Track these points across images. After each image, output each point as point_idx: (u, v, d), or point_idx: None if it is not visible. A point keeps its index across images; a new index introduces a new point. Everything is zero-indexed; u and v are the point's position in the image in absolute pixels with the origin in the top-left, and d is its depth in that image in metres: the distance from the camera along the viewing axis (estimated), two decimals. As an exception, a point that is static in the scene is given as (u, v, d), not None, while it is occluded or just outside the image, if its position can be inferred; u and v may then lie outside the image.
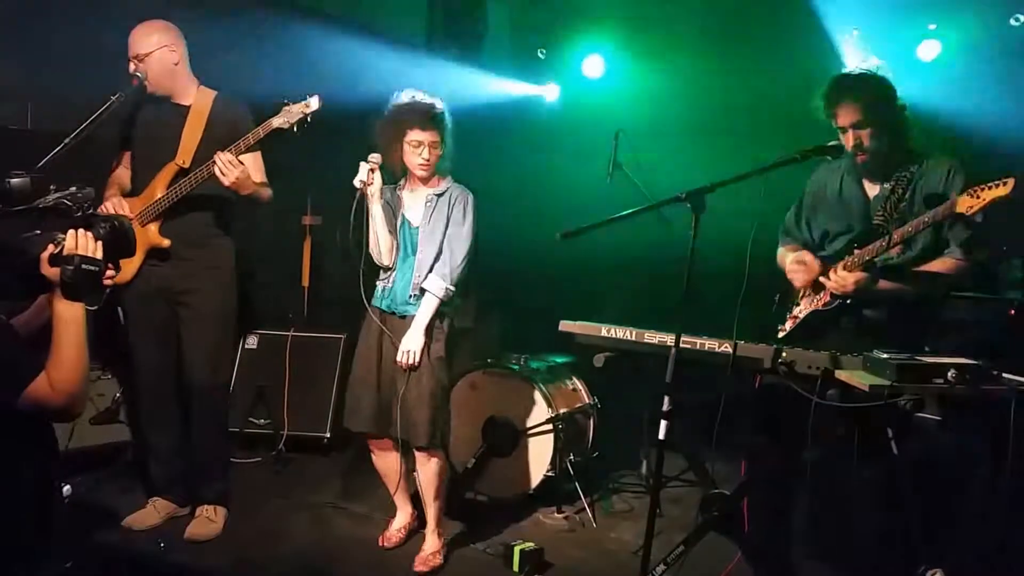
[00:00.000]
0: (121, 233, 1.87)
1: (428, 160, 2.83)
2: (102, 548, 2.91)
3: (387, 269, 2.92)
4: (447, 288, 2.82)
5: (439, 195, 2.91)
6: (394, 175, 2.94)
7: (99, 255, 1.81)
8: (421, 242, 2.87)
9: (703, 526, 2.47)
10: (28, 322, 1.93)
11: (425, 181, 2.91)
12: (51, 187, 1.97)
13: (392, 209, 2.92)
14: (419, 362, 2.80)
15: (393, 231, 2.89)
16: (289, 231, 4.52)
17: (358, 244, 2.85)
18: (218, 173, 2.81)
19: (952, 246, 2.39)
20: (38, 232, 1.83)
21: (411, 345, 2.80)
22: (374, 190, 2.80)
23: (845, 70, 2.55)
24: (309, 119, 2.82)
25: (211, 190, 2.93)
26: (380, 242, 2.87)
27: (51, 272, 1.77)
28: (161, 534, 3.01)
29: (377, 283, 2.97)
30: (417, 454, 2.88)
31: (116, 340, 3.15)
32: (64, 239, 1.79)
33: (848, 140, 2.41)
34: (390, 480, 3.07)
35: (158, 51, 2.92)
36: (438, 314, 2.84)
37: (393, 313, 2.91)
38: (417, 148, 2.82)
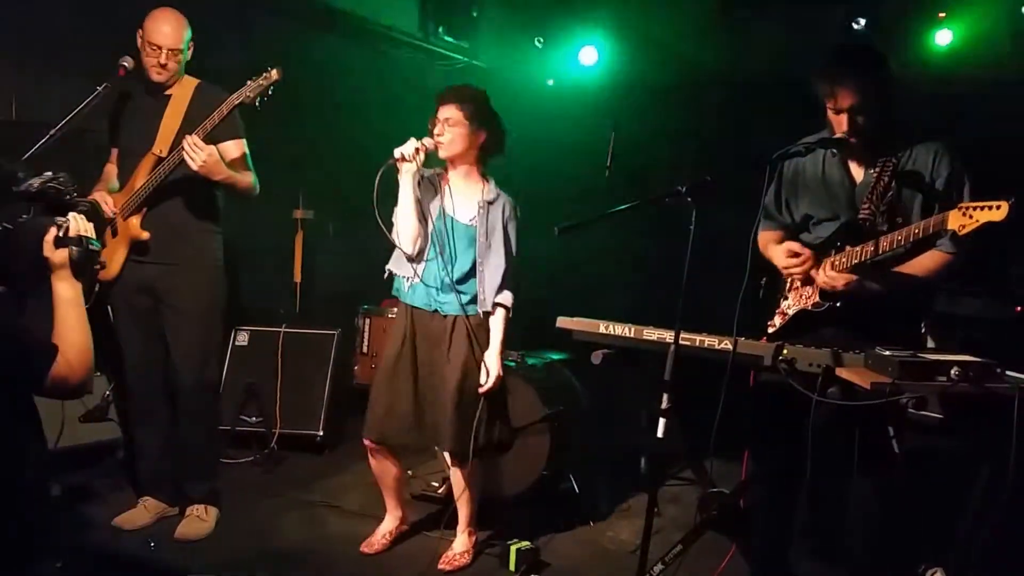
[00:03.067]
0: (96, 215, 2.01)
1: (440, 136, 2.72)
2: (92, 548, 2.86)
3: (412, 260, 2.79)
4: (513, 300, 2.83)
5: (491, 202, 2.81)
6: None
7: (94, 235, 1.88)
8: (481, 253, 2.78)
9: (701, 525, 2.44)
10: None
11: (453, 164, 2.79)
12: (19, 174, 1.99)
13: (429, 196, 2.80)
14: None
15: (422, 219, 2.77)
16: (280, 225, 4.46)
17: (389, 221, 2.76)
18: (186, 157, 2.76)
19: (943, 238, 2.29)
20: (27, 217, 1.86)
21: (497, 366, 2.77)
22: (409, 168, 2.68)
23: (843, 43, 2.40)
24: (271, 91, 2.76)
25: (196, 184, 2.88)
26: (410, 227, 2.74)
27: (57, 255, 1.81)
28: (151, 534, 2.97)
29: (403, 278, 2.84)
30: (457, 460, 2.84)
31: (107, 338, 3.10)
32: (65, 222, 1.83)
33: (842, 123, 2.27)
34: (387, 484, 3.01)
35: (188, 50, 2.92)
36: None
37: (427, 310, 2.80)
38: (437, 126, 2.73)
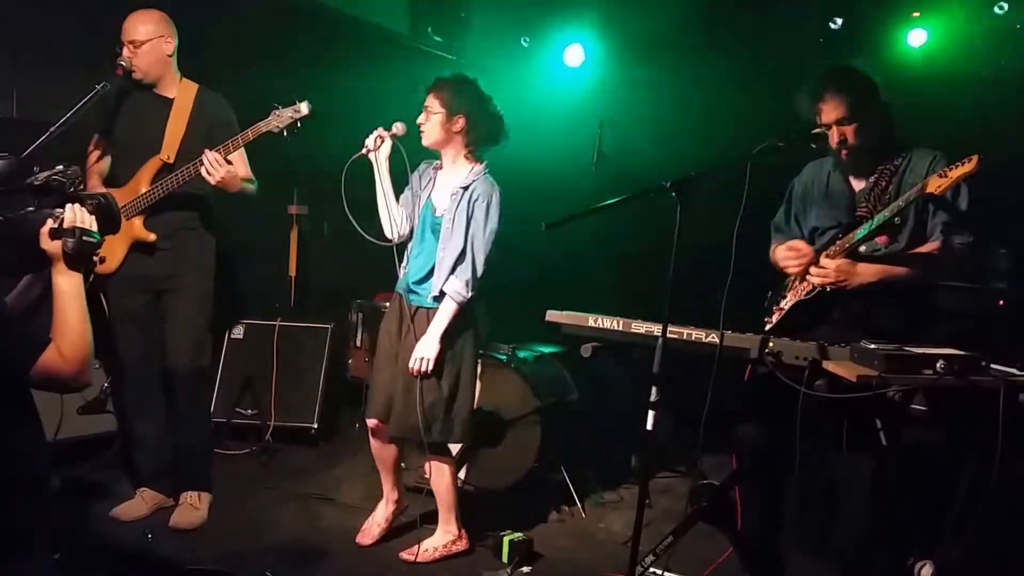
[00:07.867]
0: (108, 209, 1.93)
1: (420, 125, 2.76)
2: (90, 539, 2.89)
3: (397, 246, 2.84)
4: (468, 295, 2.73)
5: (465, 188, 2.76)
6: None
7: (94, 228, 1.87)
8: (443, 239, 2.76)
9: (692, 517, 2.46)
10: (15, 300, 1.94)
11: (444, 153, 2.82)
12: (35, 168, 2.04)
13: (420, 185, 2.86)
14: (432, 369, 2.73)
15: (407, 204, 2.84)
16: (275, 220, 4.48)
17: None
18: (204, 173, 2.82)
19: (936, 233, 2.39)
20: (31, 209, 1.88)
21: (425, 352, 2.71)
22: (378, 157, 2.75)
23: (831, 66, 2.54)
24: (299, 124, 2.83)
25: (189, 185, 2.92)
26: (385, 215, 2.81)
27: (52, 246, 1.81)
28: (149, 525, 3.00)
29: (400, 268, 2.90)
30: (430, 453, 2.84)
31: (104, 330, 3.13)
32: (62, 213, 1.83)
33: (833, 136, 2.41)
34: (385, 465, 3.01)
35: (155, 40, 2.92)
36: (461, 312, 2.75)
37: (405, 299, 2.85)
38: (422, 115, 2.77)
